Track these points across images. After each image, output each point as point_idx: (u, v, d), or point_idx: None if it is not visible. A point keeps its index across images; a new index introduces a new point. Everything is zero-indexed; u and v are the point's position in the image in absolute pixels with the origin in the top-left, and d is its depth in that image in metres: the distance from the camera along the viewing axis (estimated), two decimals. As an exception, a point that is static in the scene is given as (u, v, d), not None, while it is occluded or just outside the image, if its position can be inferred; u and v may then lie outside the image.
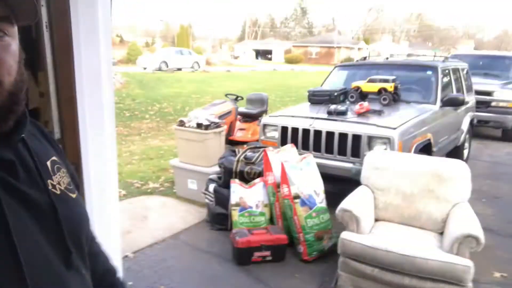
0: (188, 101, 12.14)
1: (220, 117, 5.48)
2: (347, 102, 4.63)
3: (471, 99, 5.89)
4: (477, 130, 7.50)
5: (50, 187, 0.68)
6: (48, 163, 0.72)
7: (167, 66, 21.92)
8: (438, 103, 4.49)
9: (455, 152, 5.24)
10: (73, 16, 1.92)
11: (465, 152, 5.75)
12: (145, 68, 20.62)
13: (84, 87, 1.99)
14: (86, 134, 2.11)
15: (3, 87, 0.59)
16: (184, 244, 3.28)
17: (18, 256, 0.56)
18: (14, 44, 0.62)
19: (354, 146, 3.69)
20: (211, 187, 3.62)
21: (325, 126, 3.85)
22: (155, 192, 4.46)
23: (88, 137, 2.13)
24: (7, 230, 0.56)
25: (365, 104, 4.08)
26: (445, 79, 4.98)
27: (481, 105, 7.19)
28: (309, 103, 4.82)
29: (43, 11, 1.90)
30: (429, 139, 4.02)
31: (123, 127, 8.75)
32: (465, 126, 5.44)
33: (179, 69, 22.41)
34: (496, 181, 5.18)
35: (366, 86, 4.64)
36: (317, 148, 3.87)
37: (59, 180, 0.71)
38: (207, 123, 4.20)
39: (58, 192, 0.70)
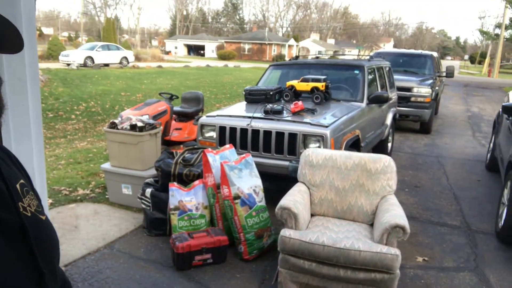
0: (118, 100, 11.61)
1: (155, 117, 5.32)
2: (282, 101, 4.75)
3: (393, 95, 6.35)
4: (398, 124, 8.12)
5: (21, 209, 0.68)
6: (18, 186, 0.72)
7: (93, 62, 20.75)
8: (365, 100, 4.78)
9: (380, 146, 5.63)
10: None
11: (389, 145, 6.20)
12: (69, 64, 19.30)
13: (8, 94, 1.82)
14: (10, 143, 1.94)
15: None
16: (120, 253, 3.14)
17: None
18: None
19: (291, 144, 3.79)
20: (148, 191, 3.51)
21: (263, 125, 3.91)
22: (85, 199, 4.21)
23: (13, 146, 1.96)
24: None
25: (300, 103, 4.21)
26: (371, 78, 5.31)
27: (402, 100, 7.79)
28: (245, 102, 4.86)
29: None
30: (357, 135, 4.27)
31: (47, 129, 8.13)
32: (389, 121, 5.86)
33: (106, 65, 21.34)
34: (416, 171, 5.65)
35: (300, 85, 4.79)
36: (255, 147, 3.92)
37: (29, 203, 0.73)
38: (142, 124, 4.05)
39: (29, 214, 0.70)
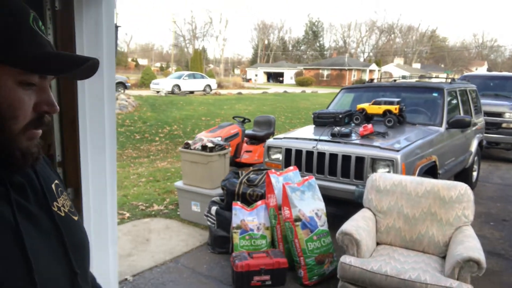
0: (198, 124, 12.29)
1: (227, 139, 5.54)
2: (352, 124, 4.63)
3: (480, 120, 5.83)
4: (487, 152, 7.39)
5: (55, 209, 0.71)
6: (53, 186, 0.76)
7: (180, 90, 22.32)
8: (444, 125, 4.46)
9: (463, 174, 5.15)
10: (78, 42, 2.01)
11: (474, 174, 5.65)
12: (158, 92, 21.03)
13: (87, 111, 2.06)
14: (86, 157, 2.16)
15: (49, 124, 0.67)
16: (184, 267, 3.26)
17: (33, 277, 0.59)
18: None
19: (358, 168, 3.66)
20: (213, 209, 3.62)
21: (329, 148, 3.84)
22: (159, 215, 4.47)
23: (89, 160, 2.18)
24: (24, 252, 0.59)
25: (369, 126, 4.07)
26: (452, 101, 4.96)
27: (492, 126, 7.10)
28: (313, 126, 4.84)
29: (50, 39, 1.99)
30: (434, 161, 3.97)
31: (133, 150, 8.87)
32: (473, 148, 5.37)
33: (191, 92, 22.80)
34: (505, 204, 5.04)
35: (371, 108, 4.65)
36: (320, 170, 3.86)
37: (63, 203, 0.75)
38: (212, 145, 4.24)
39: (63, 214, 0.73)
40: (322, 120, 4.72)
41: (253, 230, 3.29)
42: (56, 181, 0.78)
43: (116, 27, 2.54)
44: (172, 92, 21.61)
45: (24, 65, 0.59)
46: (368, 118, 4.71)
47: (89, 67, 0.67)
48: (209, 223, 3.64)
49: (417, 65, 61.55)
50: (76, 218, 0.78)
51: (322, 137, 4.02)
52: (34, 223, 0.65)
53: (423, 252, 2.75)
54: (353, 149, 3.73)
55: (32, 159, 0.65)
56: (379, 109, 4.57)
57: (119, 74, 24.20)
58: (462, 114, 5.01)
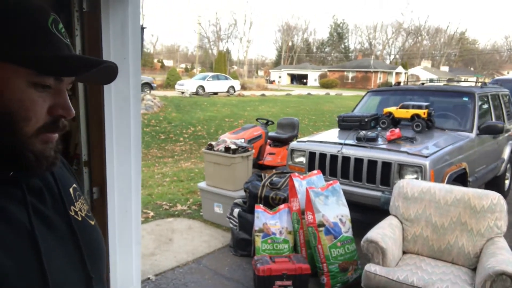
0: (222, 125, 12.36)
1: (250, 141, 5.53)
2: (378, 128, 4.53)
3: (512, 126, 5.60)
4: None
5: (72, 213, 0.71)
6: (71, 190, 0.76)
7: (204, 91, 22.52)
8: (475, 130, 4.30)
9: (495, 183, 4.96)
10: (105, 45, 2.04)
11: (507, 182, 5.43)
12: (183, 93, 21.29)
13: (113, 111, 2.08)
14: (112, 157, 2.19)
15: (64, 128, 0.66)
16: (206, 268, 3.26)
17: (47, 280, 0.59)
18: None
19: (384, 174, 3.57)
20: (236, 211, 3.61)
21: (354, 152, 3.77)
22: (182, 215, 4.50)
23: (114, 160, 2.21)
24: (38, 256, 0.59)
25: (396, 130, 3.97)
26: (483, 106, 4.78)
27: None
28: (338, 129, 4.76)
29: (77, 40, 2.03)
30: (464, 168, 3.83)
31: (158, 149, 9.00)
32: (506, 155, 5.16)
33: (215, 93, 22.96)
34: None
35: (398, 112, 4.53)
36: (345, 175, 3.79)
37: (80, 207, 0.75)
38: (235, 147, 4.24)
39: (80, 218, 0.73)
40: (347, 124, 4.64)
41: (275, 234, 3.26)
42: (74, 185, 0.78)
43: (142, 28, 2.57)
44: (197, 93, 21.82)
45: (35, 65, 0.58)
46: (395, 122, 4.59)
47: (107, 71, 0.66)
48: (231, 225, 3.63)
49: (445, 68, 59.98)
50: (92, 222, 0.77)
51: (347, 141, 3.94)
52: (50, 227, 0.65)
53: (451, 263, 2.65)
54: (379, 154, 3.65)
55: (47, 163, 0.64)
56: (407, 113, 4.46)
57: (145, 75, 24.60)
58: (494, 119, 4.82)
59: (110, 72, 0.67)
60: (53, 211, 0.68)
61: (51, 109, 0.62)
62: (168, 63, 62.95)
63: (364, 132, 4.08)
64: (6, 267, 0.54)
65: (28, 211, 0.61)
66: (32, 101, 0.60)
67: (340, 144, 3.93)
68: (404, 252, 2.84)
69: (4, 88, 0.58)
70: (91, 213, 0.79)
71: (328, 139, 4.24)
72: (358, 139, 3.96)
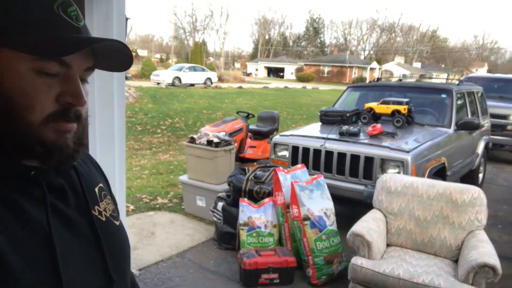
0: (200, 117, 12.21)
1: (231, 134, 5.49)
2: (360, 123, 4.59)
3: (486, 122, 5.81)
4: (492, 154, 7.37)
5: (96, 213, 0.68)
6: (96, 189, 0.73)
7: (180, 82, 22.20)
8: (453, 126, 4.42)
9: (470, 176, 5.13)
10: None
11: (480, 176, 5.64)
12: (158, 83, 20.90)
13: (96, 105, 2.00)
14: (95, 151, 2.11)
15: (82, 121, 0.63)
16: (190, 262, 3.23)
17: (61, 282, 0.56)
18: (87, 88, 0.65)
19: (367, 168, 3.63)
20: (220, 205, 3.58)
21: (337, 147, 3.80)
22: (163, 208, 4.43)
23: (97, 154, 2.13)
24: (54, 258, 0.56)
25: (378, 125, 4.03)
26: (460, 103, 4.92)
27: (496, 128, 7.08)
28: (320, 123, 4.79)
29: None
30: (443, 163, 3.94)
31: (135, 141, 8.81)
32: (480, 149, 5.35)
33: (192, 85, 22.67)
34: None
35: (379, 108, 4.60)
36: (328, 169, 3.82)
37: (105, 207, 0.72)
38: (217, 140, 4.19)
39: (104, 218, 0.70)
40: (329, 118, 4.67)
41: (260, 228, 3.26)
42: (101, 184, 0.75)
43: (126, 19, 2.48)
44: (173, 84, 21.48)
45: (31, 50, 0.54)
46: (375, 117, 4.66)
47: (119, 55, 0.62)
48: (215, 218, 3.60)
49: (417, 65, 61.50)
50: (117, 223, 0.74)
51: (330, 136, 3.97)
52: (71, 227, 0.62)
53: (434, 255, 2.72)
54: (362, 148, 3.69)
55: (62, 155, 0.59)
56: (388, 108, 4.53)
57: (119, 64, 23.96)
58: (469, 116, 4.98)
59: (121, 54, 0.63)
60: (75, 211, 0.64)
61: (59, 97, 0.58)
62: (142, 53, 61.59)
63: (346, 127, 4.12)
64: (17, 268, 0.52)
65: (47, 211, 0.58)
66: (34, 88, 0.56)
67: (323, 138, 3.95)
68: (388, 245, 2.90)
69: (4, 76, 0.54)
70: (116, 213, 0.76)
71: (311, 133, 4.26)
72: (341, 133, 4.00)
